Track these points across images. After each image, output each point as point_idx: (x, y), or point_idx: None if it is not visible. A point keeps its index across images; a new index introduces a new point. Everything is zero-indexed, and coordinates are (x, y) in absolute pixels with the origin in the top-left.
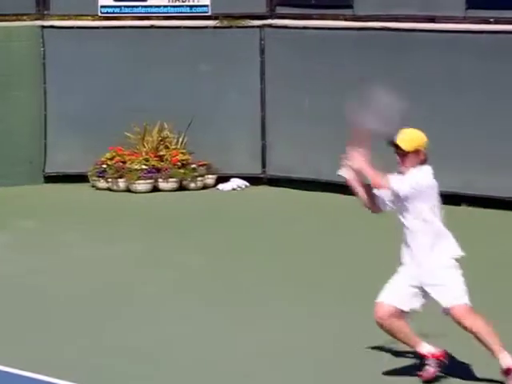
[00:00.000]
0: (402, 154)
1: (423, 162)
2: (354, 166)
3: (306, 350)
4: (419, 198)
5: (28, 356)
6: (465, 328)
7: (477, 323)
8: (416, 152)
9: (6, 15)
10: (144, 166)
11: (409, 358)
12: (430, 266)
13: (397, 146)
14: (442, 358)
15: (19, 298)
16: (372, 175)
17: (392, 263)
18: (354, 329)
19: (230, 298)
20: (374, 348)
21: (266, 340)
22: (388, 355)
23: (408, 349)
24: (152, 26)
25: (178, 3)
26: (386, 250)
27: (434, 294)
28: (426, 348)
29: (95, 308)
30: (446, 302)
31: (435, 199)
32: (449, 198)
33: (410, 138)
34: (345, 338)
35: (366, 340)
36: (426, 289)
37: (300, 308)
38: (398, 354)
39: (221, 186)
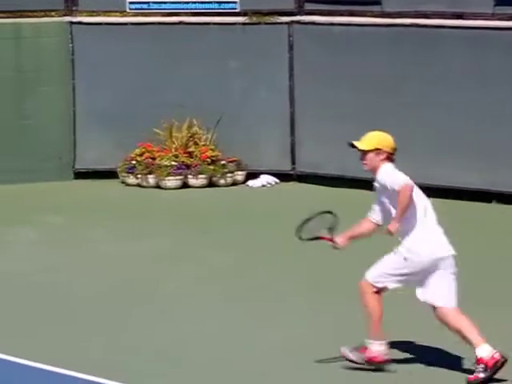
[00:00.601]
0: (362, 153)
1: (386, 162)
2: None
3: (323, 347)
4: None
5: (48, 351)
6: (448, 326)
7: (460, 322)
8: (376, 152)
9: (34, 11)
10: (174, 163)
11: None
12: None
13: (355, 147)
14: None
15: (42, 294)
16: (399, 214)
17: None
18: None
19: (251, 296)
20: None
21: (284, 338)
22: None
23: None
24: (180, 23)
25: None
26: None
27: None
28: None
29: (116, 305)
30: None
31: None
32: (479, 195)
33: (368, 138)
34: (363, 335)
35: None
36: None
37: (320, 306)
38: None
39: (250, 183)
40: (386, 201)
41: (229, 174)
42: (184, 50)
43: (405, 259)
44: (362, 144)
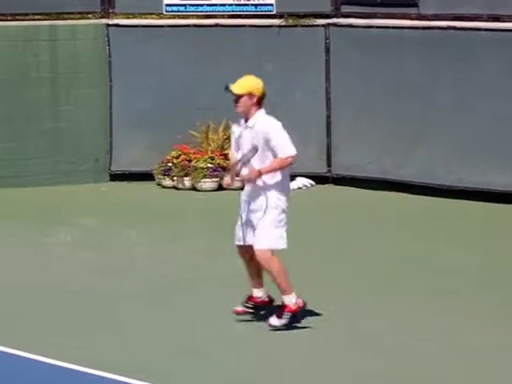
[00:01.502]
0: (236, 97)
1: (258, 106)
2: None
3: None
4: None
5: (78, 350)
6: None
7: (273, 265)
8: (249, 95)
9: (71, 13)
10: (209, 165)
11: None
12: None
13: (231, 91)
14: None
15: (78, 295)
16: (273, 168)
17: (449, 259)
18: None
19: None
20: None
21: (309, 339)
22: None
23: None
24: (217, 25)
25: (243, 2)
26: (446, 247)
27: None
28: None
29: (151, 305)
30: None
31: None
32: None
33: (241, 82)
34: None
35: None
36: None
37: (351, 310)
38: None
39: None
40: (253, 146)
41: None
42: (220, 52)
43: (279, 208)
44: (237, 88)
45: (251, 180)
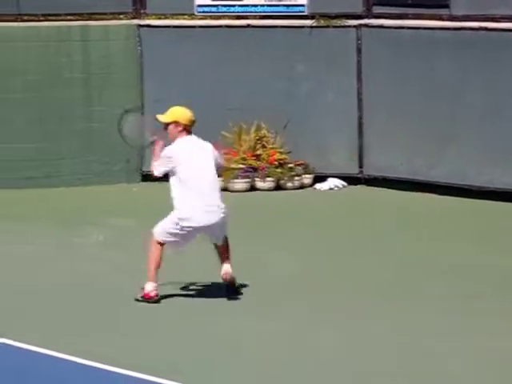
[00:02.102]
0: (164, 125)
1: (183, 133)
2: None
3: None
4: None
5: (109, 351)
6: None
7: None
8: (174, 124)
9: (103, 14)
10: (241, 165)
11: None
12: None
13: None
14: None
15: (110, 295)
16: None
17: (477, 260)
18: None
19: (318, 297)
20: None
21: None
22: None
23: None
24: (248, 26)
25: (274, 2)
26: (475, 249)
27: None
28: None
29: (182, 305)
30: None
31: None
32: None
33: (169, 112)
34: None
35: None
36: None
37: (384, 311)
38: None
39: (318, 186)
40: None
41: (296, 177)
42: (252, 52)
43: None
44: (163, 117)
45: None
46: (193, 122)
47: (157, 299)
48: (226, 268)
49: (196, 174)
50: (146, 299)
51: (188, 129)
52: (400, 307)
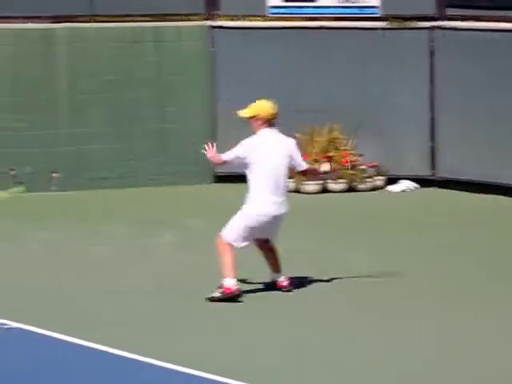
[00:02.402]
0: (246, 120)
1: (264, 126)
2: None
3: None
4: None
5: (177, 351)
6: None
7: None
8: (254, 118)
9: (176, 15)
10: None
11: None
12: None
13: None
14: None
15: (184, 296)
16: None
17: None
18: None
19: (388, 297)
20: None
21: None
22: None
23: None
24: (321, 27)
25: (347, 4)
26: None
27: None
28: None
29: (253, 304)
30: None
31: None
32: None
33: (250, 106)
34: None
35: None
36: None
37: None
38: None
39: (390, 188)
40: None
41: (369, 179)
42: (324, 54)
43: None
44: (243, 111)
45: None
46: (274, 116)
47: (238, 293)
48: (283, 278)
49: (269, 167)
50: (227, 294)
51: (269, 122)
52: (476, 307)
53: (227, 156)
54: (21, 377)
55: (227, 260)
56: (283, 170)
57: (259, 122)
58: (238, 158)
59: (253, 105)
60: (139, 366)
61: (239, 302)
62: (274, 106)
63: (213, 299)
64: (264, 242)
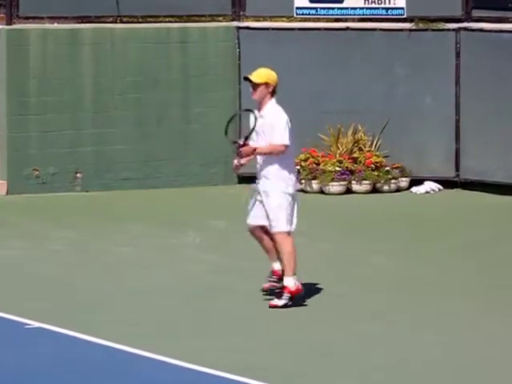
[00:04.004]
0: (253, 86)
1: (272, 94)
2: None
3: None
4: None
5: (202, 352)
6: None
7: (284, 247)
8: (265, 85)
9: (202, 16)
10: (337, 168)
11: None
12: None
13: (249, 80)
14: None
15: (208, 297)
16: (266, 150)
17: None
18: None
19: (414, 300)
20: None
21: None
22: None
23: None
24: (347, 28)
25: (374, 5)
26: None
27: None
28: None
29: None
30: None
31: None
32: None
33: (258, 73)
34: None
35: None
36: None
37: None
38: None
39: (414, 189)
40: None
41: (393, 180)
42: (350, 55)
43: (278, 191)
44: (255, 77)
45: (248, 154)
46: (277, 86)
47: (302, 293)
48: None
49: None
50: (296, 294)
51: (275, 91)
52: (497, 314)
53: (288, 140)
54: (43, 376)
55: (292, 254)
56: None
57: (269, 90)
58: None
59: (260, 71)
60: (163, 366)
61: (303, 305)
62: None
63: (282, 306)
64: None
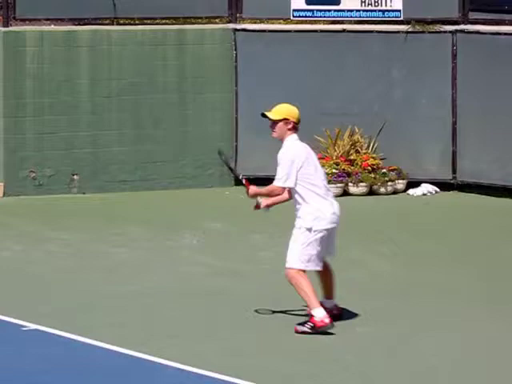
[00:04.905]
0: (272, 123)
1: (293, 130)
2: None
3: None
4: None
5: (206, 355)
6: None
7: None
8: (284, 121)
9: (198, 18)
10: (334, 170)
11: None
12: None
13: (266, 117)
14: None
15: (204, 299)
16: (264, 192)
17: None
18: None
19: (411, 302)
20: None
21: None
22: None
23: None
24: (344, 30)
25: (370, 8)
26: None
27: None
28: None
29: (277, 307)
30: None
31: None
32: None
33: (277, 109)
34: None
35: None
36: None
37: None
38: None
39: (411, 191)
40: None
41: (389, 183)
42: (347, 57)
43: (302, 228)
44: (273, 114)
45: (252, 197)
46: (299, 120)
47: (331, 325)
48: (336, 305)
49: (318, 174)
50: (319, 328)
51: (297, 127)
52: (493, 318)
53: (291, 182)
54: (40, 379)
55: (305, 289)
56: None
57: (289, 126)
58: (296, 177)
59: (279, 107)
60: (162, 369)
61: (331, 333)
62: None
63: (304, 333)
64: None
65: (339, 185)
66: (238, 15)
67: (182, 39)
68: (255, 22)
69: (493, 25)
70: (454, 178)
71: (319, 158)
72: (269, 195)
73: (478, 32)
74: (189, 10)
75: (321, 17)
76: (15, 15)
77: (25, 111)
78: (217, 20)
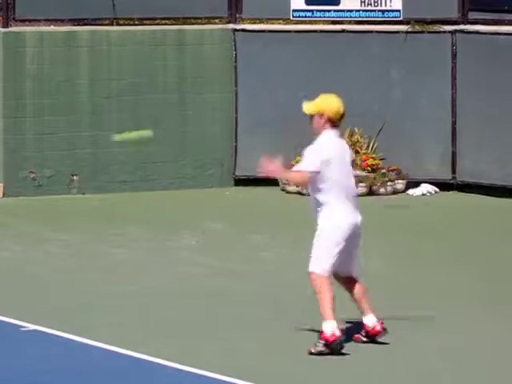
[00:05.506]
0: (310, 117)
1: (328, 126)
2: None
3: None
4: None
5: (206, 356)
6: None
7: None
8: (319, 115)
9: (198, 18)
10: None
11: None
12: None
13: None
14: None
15: (204, 299)
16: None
17: None
18: None
19: (411, 302)
20: None
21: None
22: None
23: None
24: (343, 31)
25: (370, 8)
26: None
27: None
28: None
29: (276, 309)
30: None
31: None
32: None
33: (313, 103)
34: None
35: None
36: None
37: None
38: None
39: (411, 192)
40: None
41: (389, 183)
42: (346, 57)
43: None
44: (306, 108)
45: (268, 173)
46: (341, 116)
47: (341, 340)
48: (375, 321)
49: (345, 174)
50: (330, 343)
51: (334, 122)
52: (494, 318)
53: (314, 166)
54: (39, 379)
55: (326, 298)
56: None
57: (323, 122)
58: (318, 167)
59: (318, 99)
60: (161, 369)
61: (342, 354)
62: (343, 105)
63: (317, 353)
64: (351, 280)
65: None
66: (237, 15)
67: (182, 39)
68: (255, 23)
69: (492, 25)
70: (454, 178)
71: None
72: (288, 179)
73: (477, 32)
74: (188, 10)
75: (320, 17)
76: (15, 16)
77: (24, 112)
78: (216, 20)
